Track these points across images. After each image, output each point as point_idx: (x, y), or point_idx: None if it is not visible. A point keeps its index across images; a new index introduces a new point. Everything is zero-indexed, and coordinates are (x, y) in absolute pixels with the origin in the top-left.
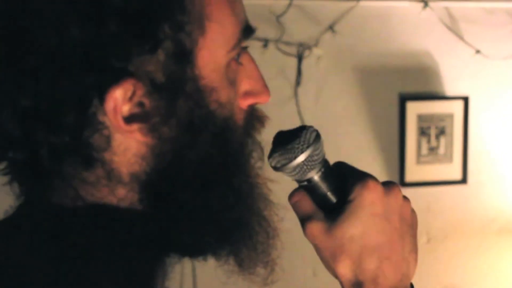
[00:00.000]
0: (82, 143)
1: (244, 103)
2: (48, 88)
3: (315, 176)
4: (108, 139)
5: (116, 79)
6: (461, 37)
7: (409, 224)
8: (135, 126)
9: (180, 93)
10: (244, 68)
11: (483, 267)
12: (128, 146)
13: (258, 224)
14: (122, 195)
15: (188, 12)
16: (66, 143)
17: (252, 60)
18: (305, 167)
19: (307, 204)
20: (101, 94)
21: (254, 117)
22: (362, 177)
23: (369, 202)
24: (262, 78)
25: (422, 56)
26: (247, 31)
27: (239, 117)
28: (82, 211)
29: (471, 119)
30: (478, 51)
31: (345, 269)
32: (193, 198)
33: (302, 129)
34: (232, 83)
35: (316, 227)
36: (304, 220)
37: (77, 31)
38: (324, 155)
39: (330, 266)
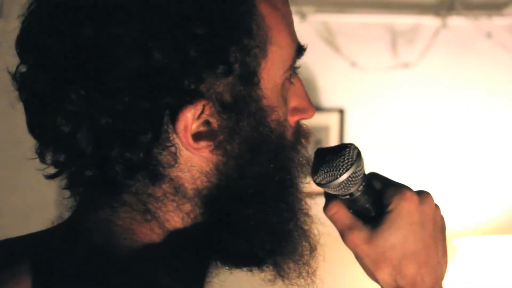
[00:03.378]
0: (152, 160)
1: (292, 120)
2: (128, 108)
3: (356, 191)
4: (175, 156)
5: (190, 100)
6: (337, 50)
7: (440, 229)
8: (202, 144)
9: (245, 113)
10: (293, 86)
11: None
12: (194, 163)
13: (303, 237)
14: (188, 210)
15: (254, 36)
16: (140, 159)
17: (299, 78)
18: (348, 183)
19: (346, 215)
20: (175, 113)
21: (300, 133)
22: (399, 188)
23: (407, 212)
24: (307, 95)
25: (299, 68)
26: (299, 51)
27: (290, 134)
28: (152, 227)
29: (347, 131)
30: (354, 64)
31: (386, 275)
32: (253, 213)
33: (344, 147)
34: (285, 101)
35: (358, 236)
36: (344, 230)
37: (159, 55)
38: (364, 171)
39: (371, 272)
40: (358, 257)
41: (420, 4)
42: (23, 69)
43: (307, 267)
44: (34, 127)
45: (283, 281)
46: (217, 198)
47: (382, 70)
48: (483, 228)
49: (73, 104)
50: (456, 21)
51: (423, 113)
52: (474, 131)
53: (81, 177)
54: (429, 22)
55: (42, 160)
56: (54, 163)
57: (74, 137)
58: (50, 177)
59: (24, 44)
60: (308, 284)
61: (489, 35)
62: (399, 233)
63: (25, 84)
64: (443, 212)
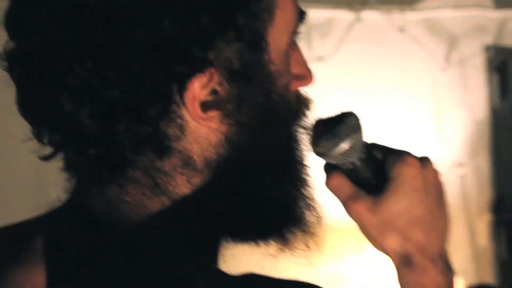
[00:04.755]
0: (159, 133)
1: (294, 86)
2: (137, 79)
3: (358, 160)
4: (182, 128)
5: (199, 68)
6: None
7: (442, 193)
8: (210, 114)
9: (254, 79)
10: (294, 52)
11: None
12: (202, 134)
13: (309, 207)
14: (198, 183)
15: (262, 1)
16: (149, 132)
17: (298, 45)
18: (350, 151)
19: (348, 186)
20: (183, 83)
21: (301, 101)
22: (400, 154)
23: (410, 177)
24: (306, 62)
25: None
26: (301, 16)
27: (293, 101)
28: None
29: None
30: None
31: (393, 243)
32: (265, 183)
33: (345, 115)
34: (289, 67)
35: (361, 206)
36: (347, 201)
37: (170, 22)
38: (364, 140)
39: (377, 242)
40: (363, 227)
41: None
42: (12, 45)
43: (313, 237)
44: (28, 107)
45: (290, 253)
46: (227, 170)
47: None
48: None
49: (78, 78)
50: (370, 15)
51: (337, 106)
52: (387, 123)
53: (84, 157)
54: (343, 16)
55: (41, 141)
56: (52, 143)
57: (77, 114)
58: (45, 158)
59: (16, 18)
60: (315, 254)
61: (401, 29)
62: (404, 199)
63: (18, 61)
64: None
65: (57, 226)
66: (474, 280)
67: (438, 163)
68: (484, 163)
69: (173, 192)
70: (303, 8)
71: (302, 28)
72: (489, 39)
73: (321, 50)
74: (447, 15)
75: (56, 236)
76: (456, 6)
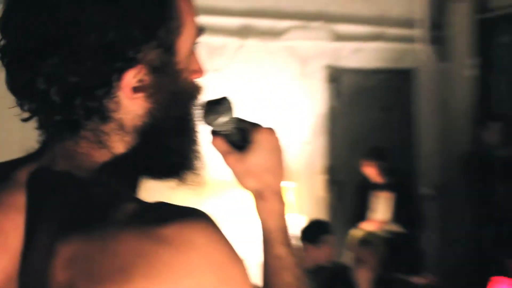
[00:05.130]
0: (103, 107)
1: (192, 78)
2: (90, 71)
3: (232, 128)
4: (118, 104)
5: (132, 65)
6: None
7: (282, 152)
8: (138, 95)
9: (167, 73)
10: (193, 55)
11: None
12: (132, 109)
13: (198, 157)
14: (128, 140)
15: (175, 20)
16: (96, 106)
17: (196, 49)
18: (227, 123)
19: (224, 145)
20: (120, 74)
21: (196, 88)
22: (257, 126)
23: (264, 140)
24: (201, 61)
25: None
26: (200, 31)
27: (192, 88)
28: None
29: None
30: None
31: (251, 183)
32: (173, 141)
33: (222, 99)
34: (190, 65)
35: (233, 158)
36: (223, 154)
37: (113, 34)
38: (235, 115)
39: (242, 183)
40: (234, 173)
41: (227, 29)
42: (3, 42)
43: (199, 177)
44: (14, 85)
45: (184, 186)
46: (149, 133)
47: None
48: None
49: (50, 68)
50: (251, 43)
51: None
52: (261, 114)
53: (52, 120)
54: (233, 42)
55: (22, 108)
56: (30, 110)
57: (48, 92)
58: (25, 120)
59: (8, 22)
60: (200, 187)
61: (272, 53)
62: (259, 155)
63: (8, 54)
64: None
65: (32, 164)
66: (313, 217)
67: (294, 142)
68: (322, 142)
69: (112, 147)
70: (204, 31)
71: (205, 49)
72: (328, 61)
73: (218, 64)
74: (301, 44)
75: (32, 171)
76: (307, 38)
